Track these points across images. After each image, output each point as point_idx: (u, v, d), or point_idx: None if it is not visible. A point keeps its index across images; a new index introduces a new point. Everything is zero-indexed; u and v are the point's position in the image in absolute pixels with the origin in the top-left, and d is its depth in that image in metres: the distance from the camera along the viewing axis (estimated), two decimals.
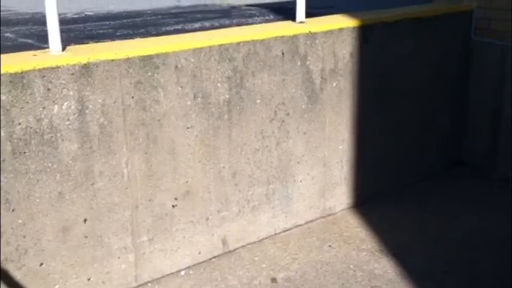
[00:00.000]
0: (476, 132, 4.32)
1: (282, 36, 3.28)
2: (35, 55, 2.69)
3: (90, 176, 2.77)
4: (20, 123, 2.54)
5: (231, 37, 3.13)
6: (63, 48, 2.76)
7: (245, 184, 3.31)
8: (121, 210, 2.90)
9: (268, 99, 3.30)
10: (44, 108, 2.59)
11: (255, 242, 3.43)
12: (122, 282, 2.97)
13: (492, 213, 3.75)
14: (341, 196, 3.80)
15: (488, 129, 4.23)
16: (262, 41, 3.21)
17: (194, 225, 3.17)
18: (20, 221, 2.61)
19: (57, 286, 2.76)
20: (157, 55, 2.87)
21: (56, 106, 2.62)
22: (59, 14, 2.69)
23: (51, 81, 2.59)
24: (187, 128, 3.03)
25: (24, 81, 2.53)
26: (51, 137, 2.63)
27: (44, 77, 2.57)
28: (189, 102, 3.01)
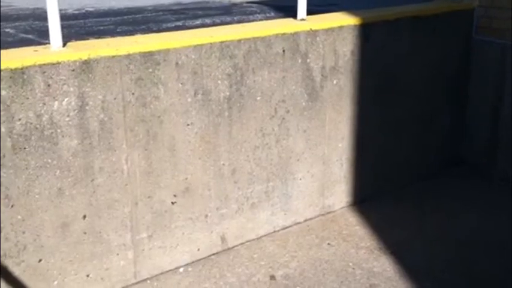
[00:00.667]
0: (476, 130, 4.32)
1: (283, 34, 3.28)
2: (36, 51, 2.69)
3: (89, 172, 2.76)
4: (20, 119, 2.54)
5: (231, 34, 3.13)
6: (64, 44, 2.75)
7: (245, 181, 3.31)
8: (120, 207, 2.90)
9: (269, 97, 3.30)
10: (44, 104, 2.59)
11: (254, 240, 3.43)
12: (121, 279, 2.97)
13: (491, 212, 3.75)
14: (340, 194, 3.80)
15: (488, 128, 4.23)
16: (263, 38, 3.21)
17: (193, 222, 3.17)
18: (19, 216, 2.61)
19: (56, 282, 2.77)
20: (158, 51, 2.87)
21: (56, 102, 2.62)
22: (60, 10, 2.68)
23: (51, 77, 2.58)
24: (188, 124, 3.03)
25: (25, 76, 2.52)
26: (51, 132, 2.63)
27: (44, 72, 2.56)
28: (189, 99, 3.01)
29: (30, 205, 2.63)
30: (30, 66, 2.53)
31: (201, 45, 3.00)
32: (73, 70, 2.64)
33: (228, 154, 3.21)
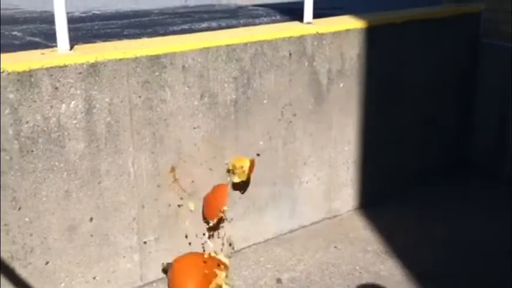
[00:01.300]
0: (482, 133, 4.30)
1: (290, 37, 3.28)
2: (43, 54, 2.70)
3: (96, 175, 2.77)
4: (27, 122, 2.54)
5: (238, 37, 3.13)
6: (71, 47, 2.76)
7: (251, 184, 3.31)
8: (127, 210, 2.90)
9: (275, 100, 3.30)
10: (51, 107, 2.60)
11: (260, 243, 3.43)
12: (127, 282, 2.98)
13: (499, 216, 3.74)
14: (347, 197, 3.80)
15: (495, 131, 4.21)
16: (270, 41, 3.21)
17: (200, 225, 3.16)
18: (26, 219, 2.62)
19: (62, 284, 2.77)
20: (165, 55, 2.87)
21: (64, 105, 2.63)
22: (67, 13, 2.69)
23: (58, 80, 2.59)
24: (194, 128, 3.03)
25: (32, 79, 2.53)
26: (59, 135, 2.63)
27: (51, 75, 2.57)
28: (195, 102, 3.01)
29: (37, 207, 2.64)
30: (37, 69, 2.54)
31: (208, 49, 3.00)
32: (80, 73, 2.64)
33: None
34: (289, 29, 3.36)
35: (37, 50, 2.78)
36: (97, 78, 2.69)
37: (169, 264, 2.99)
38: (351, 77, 3.59)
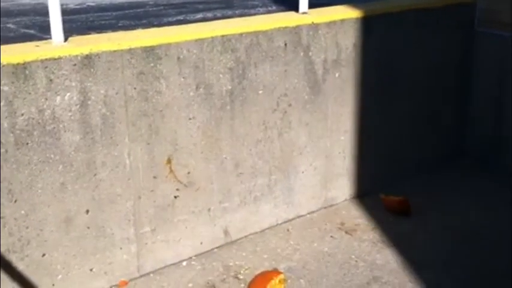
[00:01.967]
0: (479, 123, 4.31)
1: (285, 27, 3.27)
2: (37, 46, 2.69)
3: (92, 166, 2.77)
4: (22, 114, 2.54)
5: (233, 28, 3.13)
6: (66, 39, 2.75)
7: (247, 175, 3.32)
8: (123, 201, 2.90)
9: (271, 90, 3.30)
10: (46, 99, 2.59)
11: (256, 233, 3.44)
12: (125, 273, 2.98)
13: (494, 205, 3.76)
14: (343, 187, 3.80)
15: (491, 121, 4.22)
16: (265, 31, 3.20)
17: (196, 216, 3.17)
18: (22, 211, 2.62)
19: (59, 276, 2.78)
20: (160, 46, 2.87)
21: (58, 97, 2.62)
22: (61, 5, 2.68)
23: (53, 72, 2.59)
24: (190, 118, 3.03)
25: (27, 72, 2.52)
26: (54, 127, 2.63)
27: (46, 67, 2.57)
28: (191, 93, 3.01)
29: (33, 200, 2.64)
30: (32, 61, 2.53)
31: (203, 39, 3.00)
32: (75, 65, 2.64)
33: (231, 148, 3.21)
34: (284, 19, 3.36)
35: (32, 42, 2.77)
36: (92, 70, 2.69)
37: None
38: (347, 67, 3.59)
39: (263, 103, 3.28)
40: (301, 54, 3.37)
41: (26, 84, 2.53)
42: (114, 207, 2.88)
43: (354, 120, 3.72)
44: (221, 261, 3.18)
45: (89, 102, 2.70)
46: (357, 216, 3.64)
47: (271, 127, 3.35)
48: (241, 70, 3.16)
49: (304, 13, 3.49)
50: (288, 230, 3.48)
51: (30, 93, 2.54)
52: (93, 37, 3.00)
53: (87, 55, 2.66)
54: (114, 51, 2.73)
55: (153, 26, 3.93)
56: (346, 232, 3.46)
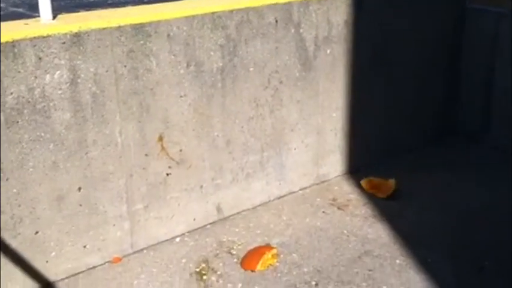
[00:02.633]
0: (469, 100, 4.32)
1: (275, 4, 3.26)
2: (26, 24, 2.67)
3: (83, 145, 2.77)
4: (12, 93, 2.53)
5: (223, 5, 3.11)
6: (54, 17, 2.73)
7: (239, 152, 3.33)
8: (115, 179, 2.91)
9: (262, 67, 3.29)
10: (35, 77, 2.58)
11: (249, 209, 3.46)
12: (118, 249, 3.01)
13: (485, 180, 3.79)
14: (335, 163, 3.82)
15: (482, 98, 4.23)
16: (256, 8, 3.19)
17: (188, 193, 3.19)
18: (14, 190, 2.63)
19: (53, 253, 2.80)
20: (149, 23, 2.85)
21: (48, 75, 2.61)
22: None
23: (42, 50, 2.57)
24: (181, 96, 3.03)
25: (16, 50, 2.51)
26: (44, 106, 2.63)
27: (35, 46, 2.55)
28: (182, 71, 3.00)
29: (25, 178, 2.64)
30: (20, 39, 2.52)
31: (193, 16, 2.98)
32: (64, 43, 2.62)
33: (222, 125, 3.22)
34: None
35: (20, 21, 2.75)
36: (81, 48, 2.67)
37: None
38: (338, 44, 3.58)
39: (254, 80, 3.28)
40: (292, 31, 3.36)
41: (15, 63, 2.52)
42: (107, 185, 2.89)
43: (345, 97, 3.72)
44: (214, 237, 3.20)
45: (79, 80, 2.70)
46: (348, 192, 3.66)
47: (262, 104, 3.35)
48: (232, 47, 3.15)
49: None
50: (280, 207, 3.50)
51: (19, 72, 2.53)
52: (82, 15, 2.98)
53: (76, 33, 2.65)
54: (104, 28, 2.72)
55: (143, 3, 3.90)
56: (338, 208, 3.49)
